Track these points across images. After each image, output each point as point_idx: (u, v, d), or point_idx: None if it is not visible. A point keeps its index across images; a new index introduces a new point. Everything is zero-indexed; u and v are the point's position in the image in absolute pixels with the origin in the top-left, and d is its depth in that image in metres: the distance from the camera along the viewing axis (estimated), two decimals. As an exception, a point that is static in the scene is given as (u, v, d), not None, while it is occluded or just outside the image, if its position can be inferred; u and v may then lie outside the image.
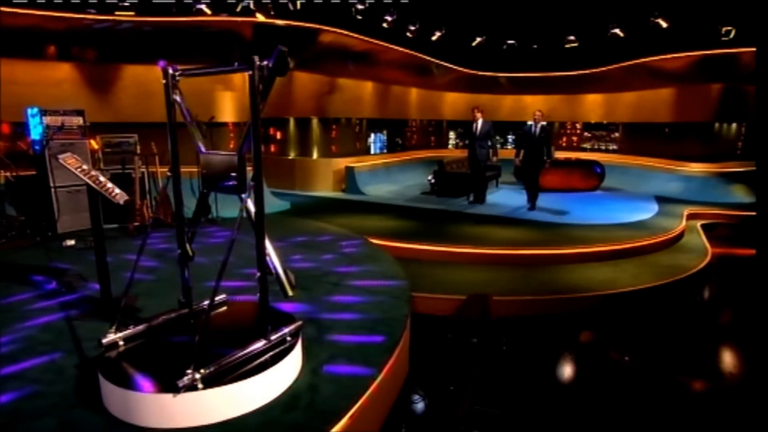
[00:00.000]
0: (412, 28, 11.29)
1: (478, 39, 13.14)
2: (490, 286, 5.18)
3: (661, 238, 6.82)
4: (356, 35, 8.94)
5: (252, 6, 7.71)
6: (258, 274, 2.77)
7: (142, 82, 7.90)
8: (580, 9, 11.80)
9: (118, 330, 2.85)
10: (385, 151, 13.33)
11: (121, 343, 2.83)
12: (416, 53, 10.99)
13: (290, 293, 2.81)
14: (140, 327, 2.97)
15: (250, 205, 2.75)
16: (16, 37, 6.86)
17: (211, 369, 2.47)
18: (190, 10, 7.11)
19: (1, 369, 2.90)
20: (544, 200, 9.92)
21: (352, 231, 6.77)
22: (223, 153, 2.91)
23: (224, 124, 8.35)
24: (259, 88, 2.58)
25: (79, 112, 6.22)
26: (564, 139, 14.70)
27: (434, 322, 4.67)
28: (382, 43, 9.67)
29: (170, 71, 2.93)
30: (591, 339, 4.68)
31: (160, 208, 6.97)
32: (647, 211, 8.89)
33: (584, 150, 14.33)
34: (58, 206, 6.19)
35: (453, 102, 15.03)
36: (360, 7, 9.64)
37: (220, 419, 2.42)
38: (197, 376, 2.39)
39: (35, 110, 5.97)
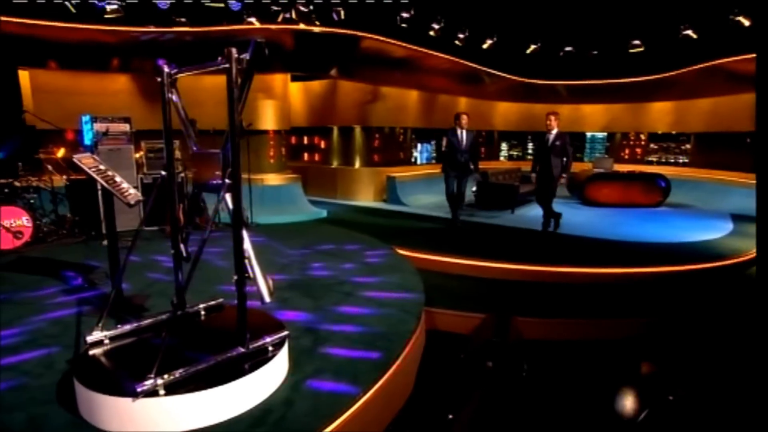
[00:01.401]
0: (462, 36, 11.06)
1: (533, 46, 12.61)
2: (519, 305, 4.75)
3: (725, 262, 5.97)
4: (398, 42, 8.82)
5: (294, 16, 7.85)
6: (235, 277, 2.63)
7: (188, 91, 8.26)
8: (646, 11, 10.97)
9: (104, 328, 2.84)
10: (433, 161, 13.07)
11: (106, 341, 2.81)
12: (464, 61, 10.68)
13: (267, 299, 2.66)
14: (127, 327, 2.95)
15: (229, 203, 2.63)
16: (81, 52, 7.44)
17: (176, 375, 2.36)
18: (240, 20, 7.37)
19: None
20: (596, 215, 9.19)
21: (382, 241, 6.58)
22: (213, 151, 2.82)
23: (265, 132, 8.53)
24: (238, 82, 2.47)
25: (126, 120, 6.57)
26: (627, 151, 13.62)
27: (452, 341, 4.35)
28: (425, 50, 9.48)
29: (166, 70, 2.91)
30: (651, 371, 4.10)
31: (196, 211, 7.19)
32: (718, 230, 7.90)
33: (650, 163, 13.19)
34: (104, 207, 6.53)
35: (505, 112, 14.48)
36: (405, 15, 9.57)
37: (180, 429, 2.29)
38: (159, 381, 2.28)
39: (87, 118, 6.37)
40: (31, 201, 6.02)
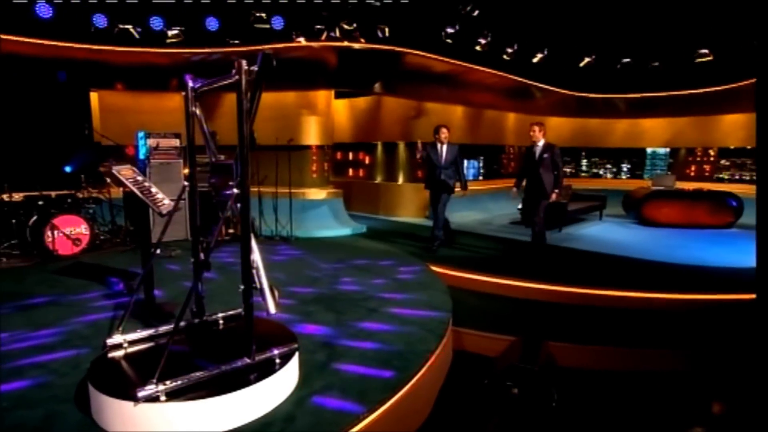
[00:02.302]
0: (510, 50, 10.85)
1: (587, 59, 12.14)
2: (554, 328, 4.44)
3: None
4: (440, 57, 8.78)
5: (338, 34, 8.05)
6: (241, 287, 2.64)
7: (233, 108, 8.66)
8: (715, 18, 10.23)
9: (124, 332, 2.94)
10: (480, 178, 12.80)
11: (125, 344, 2.91)
12: (511, 75, 10.45)
13: (272, 310, 2.64)
14: (146, 332, 3.03)
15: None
16: (142, 73, 8.03)
17: (178, 382, 2.38)
18: (285, 39, 7.66)
19: (34, 357, 3.18)
20: (652, 235, 8.52)
21: (417, 257, 6.47)
22: (230, 162, 2.88)
23: (307, 147, 8.72)
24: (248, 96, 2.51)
25: (177, 135, 6.96)
26: (693, 167, 12.62)
27: (480, 363, 4.12)
28: (469, 64, 9.37)
29: (191, 84, 3.03)
30: (722, 410, 3.67)
31: (238, 224, 7.43)
32: (798, 256, 7.04)
33: (720, 180, 12.13)
34: (154, 218, 6.91)
35: (556, 127, 13.91)
36: (450, 30, 9.54)
37: (179, 437, 2.29)
38: (160, 387, 2.31)
39: (142, 134, 6.82)
40: (90, 211, 6.48)
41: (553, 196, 6.33)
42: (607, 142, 13.65)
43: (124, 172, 3.84)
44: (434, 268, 5.84)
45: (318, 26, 7.80)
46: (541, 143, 6.32)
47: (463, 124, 11.63)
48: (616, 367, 4.03)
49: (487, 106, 11.70)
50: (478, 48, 10.13)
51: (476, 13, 9.79)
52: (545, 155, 6.24)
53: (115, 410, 2.31)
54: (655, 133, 13.12)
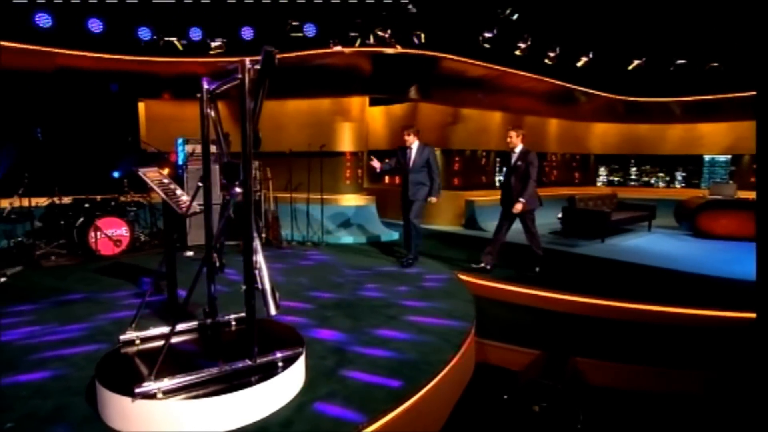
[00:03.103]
0: (552, 54, 10.49)
1: (636, 61, 11.53)
2: (585, 344, 4.14)
3: None
4: (476, 61, 8.60)
5: (372, 41, 8.07)
6: (243, 287, 2.62)
7: (273, 115, 8.86)
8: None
9: (137, 329, 3.00)
10: (520, 186, 12.41)
11: (137, 341, 2.96)
12: (551, 79, 10.08)
13: (273, 312, 2.60)
14: (157, 330, 3.08)
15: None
16: (184, 83, 8.38)
17: (176, 380, 2.38)
18: (318, 46, 7.77)
19: (58, 350, 3.31)
20: (707, 248, 7.88)
21: (446, 265, 6.30)
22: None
23: (341, 154, 8.77)
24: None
25: (213, 142, 7.17)
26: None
27: (503, 377, 3.91)
28: (506, 68, 9.12)
29: (206, 87, 3.09)
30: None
31: (270, 229, 7.56)
32: None
33: (790, 190, 11.07)
34: (190, 221, 7.15)
35: (603, 134, 13.31)
36: (487, 35, 9.35)
37: (173, 436, 2.28)
38: (158, 385, 2.32)
39: (181, 140, 7.10)
40: (131, 214, 6.80)
41: (518, 206, 5.65)
42: (660, 148, 12.86)
43: (150, 174, 3.96)
44: (461, 277, 5.66)
45: (352, 33, 7.85)
46: (518, 149, 5.77)
47: (502, 131, 11.31)
48: (653, 388, 3.69)
49: (527, 111, 11.35)
50: (517, 52, 9.87)
51: (515, 16, 9.55)
52: (519, 163, 5.70)
53: (115, 405, 2.34)
54: (714, 139, 12.22)
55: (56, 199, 6.38)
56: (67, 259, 5.98)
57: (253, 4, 6.95)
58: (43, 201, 6.32)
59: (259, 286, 2.60)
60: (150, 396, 2.28)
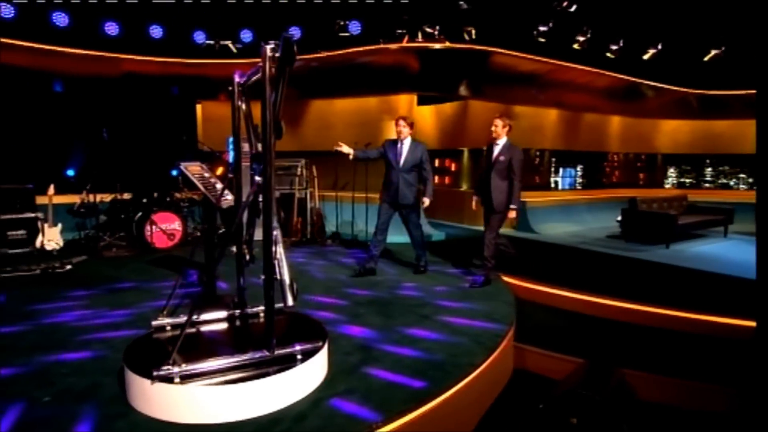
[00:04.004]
0: (614, 47, 9.85)
1: (714, 51, 10.54)
2: (636, 354, 3.78)
3: None
4: (532, 56, 8.22)
5: (420, 38, 7.96)
6: (262, 277, 2.61)
7: (321, 114, 9.00)
8: None
9: (169, 315, 3.10)
10: (578, 187, 11.76)
11: (168, 327, 3.06)
12: (612, 73, 9.44)
13: (290, 302, 2.57)
14: (186, 317, 3.15)
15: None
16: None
17: (194, 366, 2.41)
18: (371, 44, 7.78)
19: (103, 332, 3.50)
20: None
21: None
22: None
23: (387, 153, 8.72)
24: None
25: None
26: None
27: (541, 385, 3.66)
28: (564, 63, 8.65)
29: (237, 80, 3.14)
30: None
31: (315, 226, 7.65)
32: None
33: None
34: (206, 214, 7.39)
35: (673, 131, 12.28)
36: (542, 28, 8.94)
37: (187, 421, 2.31)
38: (175, 369, 2.35)
39: (231, 139, 7.35)
40: (185, 209, 7.13)
41: (512, 213, 4.93)
42: (741, 147, 11.65)
43: (191, 168, 4.10)
44: (505, 278, 5.40)
45: (399, 31, 7.79)
46: (501, 142, 4.94)
47: (558, 129, 10.80)
48: (715, 408, 3.28)
49: (585, 108, 10.72)
50: (575, 46, 9.35)
51: (573, 8, 9.06)
52: (502, 157, 4.90)
53: (137, 386, 2.40)
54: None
55: (119, 195, 6.83)
56: (125, 250, 6.37)
57: (303, 4, 7.08)
58: (107, 197, 6.79)
59: (278, 277, 2.58)
60: (168, 380, 2.32)
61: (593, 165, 11.81)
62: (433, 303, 4.42)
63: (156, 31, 7.09)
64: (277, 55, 2.48)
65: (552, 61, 8.41)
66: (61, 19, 6.49)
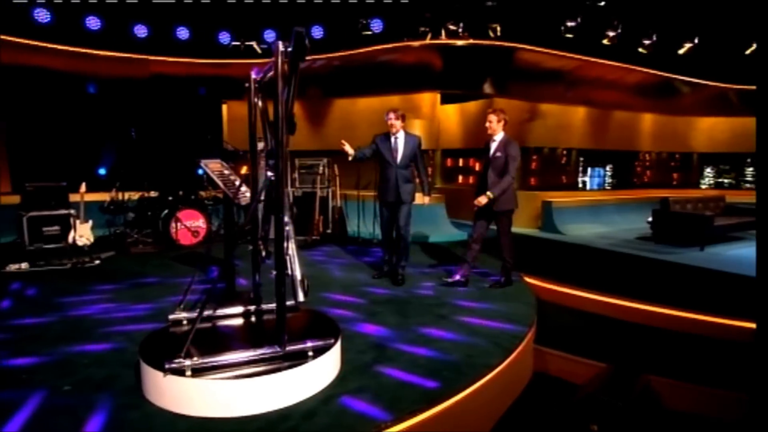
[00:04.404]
0: (647, 41, 9.51)
1: (755, 44, 10.04)
2: (666, 361, 3.61)
3: None
4: (558, 52, 8.02)
5: (443, 36, 7.89)
6: (273, 272, 2.60)
7: (344, 114, 9.01)
8: None
9: (186, 310, 3.14)
10: (607, 187, 11.41)
11: (185, 321, 3.10)
12: (645, 69, 9.12)
13: (301, 298, 2.55)
14: (205, 312, 3.19)
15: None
16: (264, 84, 8.84)
17: (205, 360, 2.42)
18: (397, 41, 7.76)
19: (124, 325, 3.58)
20: None
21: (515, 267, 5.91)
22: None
23: (410, 152, 8.67)
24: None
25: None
26: None
27: (562, 389, 3.54)
28: (594, 59, 8.40)
29: (254, 76, 3.15)
30: None
31: (337, 225, 7.67)
32: None
33: None
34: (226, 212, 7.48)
35: (710, 129, 11.75)
36: (570, 24, 8.72)
37: (198, 414, 2.32)
38: (187, 362, 2.37)
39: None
40: (209, 207, 7.26)
41: (482, 198, 4.56)
42: (783, 145, 11.06)
43: (212, 165, 4.15)
44: (527, 279, 5.26)
45: (422, 28, 7.73)
46: (498, 137, 4.69)
47: (586, 127, 10.50)
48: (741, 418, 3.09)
49: (615, 106, 10.39)
50: (605, 41, 9.07)
51: (603, 3, 8.79)
52: (498, 154, 4.62)
53: (150, 378, 2.43)
54: None
55: (146, 193, 7.02)
56: (151, 246, 6.54)
57: (325, 3, 7.11)
58: (135, 195, 6.99)
59: (289, 272, 2.57)
60: (179, 372, 2.35)
61: (624, 164, 11.43)
62: (452, 303, 4.35)
63: (182, 33, 7.25)
64: (289, 49, 2.47)
65: (579, 57, 8.21)
66: (93, 23, 6.72)
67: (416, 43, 7.29)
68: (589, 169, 11.06)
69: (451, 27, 7.90)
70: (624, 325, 4.39)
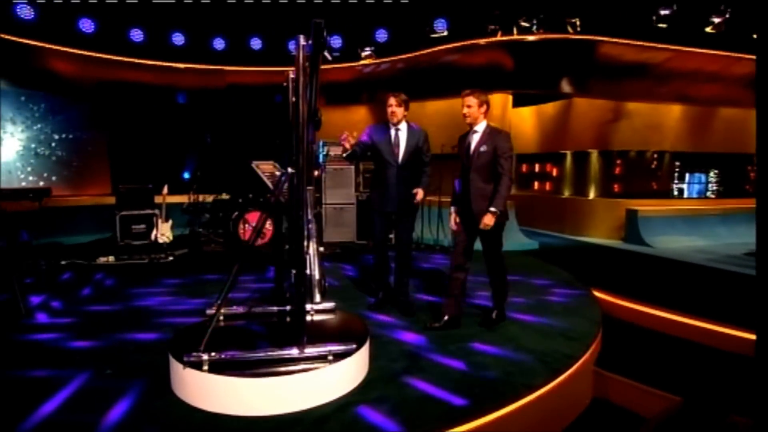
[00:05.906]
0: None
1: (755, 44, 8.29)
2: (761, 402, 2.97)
3: None
4: (645, 43, 7.22)
5: (515, 33, 7.50)
6: (294, 271, 2.54)
7: (414, 117, 8.87)
8: None
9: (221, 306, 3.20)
10: (710, 195, 10.06)
11: (220, 317, 3.16)
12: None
13: (317, 298, 2.46)
14: (240, 309, 3.24)
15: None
16: (332, 90, 9.04)
17: (223, 356, 2.42)
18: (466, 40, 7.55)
19: (174, 317, 3.77)
20: None
21: (584, 281, 5.38)
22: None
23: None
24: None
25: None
26: None
27: (624, 421, 3.08)
28: (685, 48, 7.44)
29: (290, 75, 3.15)
30: None
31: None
32: None
33: None
34: (326, 219, 7.61)
35: None
36: (664, 12, 7.84)
37: (212, 409, 2.32)
38: (204, 357, 2.39)
39: (322, 143, 7.62)
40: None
41: (488, 219, 3.31)
42: None
43: (263, 166, 4.27)
44: (596, 293, 4.73)
45: (491, 26, 7.41)
46: (480, 128, 3.50)
47: (683, 127, 9.35)
48: None
49: (720, 102, 9.13)
50: (708, 29, 8.02)
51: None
52: (483, 148, 3.42)
53: (174, 369, 2.49)
54: None
55: (219, 196, 7.47)
56: (221, 246, 6.92)
57: (390, 5, 7.07)
58: (209, 197, 7.47)
59: (308, 272, 2.50)
60: (197, 366, 2.37)
61: (733, 169, 9.99)
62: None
63: (256, 43, 7.65)
64: (310, 42, 2.41)
65: (672, 47, 7.31)
66: (178, 39, 7.33)
67: (483, 41, 6.99)
68: (687, 175, 9.84)
69: (524, 24, 7.48)
70: (710, 351, 3.74)
